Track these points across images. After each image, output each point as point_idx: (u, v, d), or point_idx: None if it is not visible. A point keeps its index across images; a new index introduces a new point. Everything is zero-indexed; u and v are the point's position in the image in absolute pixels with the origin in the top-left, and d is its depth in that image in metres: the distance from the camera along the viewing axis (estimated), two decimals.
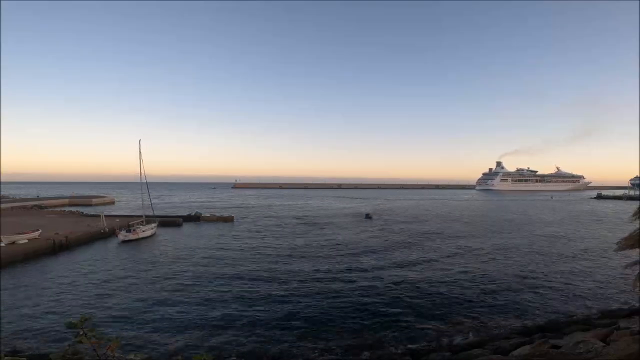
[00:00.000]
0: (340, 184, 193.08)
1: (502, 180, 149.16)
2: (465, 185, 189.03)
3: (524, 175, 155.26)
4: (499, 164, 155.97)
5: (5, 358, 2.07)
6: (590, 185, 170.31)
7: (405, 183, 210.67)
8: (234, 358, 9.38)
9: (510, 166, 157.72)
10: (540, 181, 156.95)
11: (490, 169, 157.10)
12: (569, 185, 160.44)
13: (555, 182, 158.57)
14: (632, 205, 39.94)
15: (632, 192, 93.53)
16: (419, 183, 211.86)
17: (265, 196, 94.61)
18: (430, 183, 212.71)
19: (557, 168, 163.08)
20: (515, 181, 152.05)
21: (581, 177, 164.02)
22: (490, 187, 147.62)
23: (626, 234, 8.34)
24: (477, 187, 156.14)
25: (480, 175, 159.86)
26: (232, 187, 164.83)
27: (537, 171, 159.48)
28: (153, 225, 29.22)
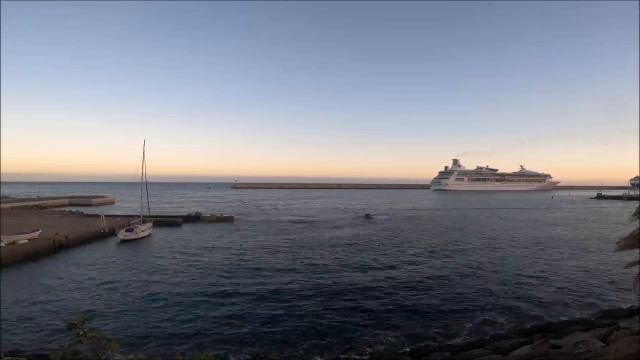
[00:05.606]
0: (340, 184, 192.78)
1: (457, 179, 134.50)
2: None
3: (483, 174, 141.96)
4: (455, 161, 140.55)
5: (6, 358, 2.06)
6: (558, 184, 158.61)
7: (405, 183, 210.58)
8: (234, 358, 9.39)
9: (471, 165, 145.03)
10: (500, 180, 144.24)
11: (446, 167, 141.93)
12: (534, 185, 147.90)
13: (517, 181, 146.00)
14: (632, 205, 39.97)
15: (632, 192, 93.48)
16: (419, 183, 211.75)
17: (265, 196, 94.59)
18: (430, 183, 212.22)
19: (521, 166, 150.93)
20: (473, 180, 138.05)
21: (547, 175, 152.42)
22: (444, 187, 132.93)
23: (626, 234, 8.34)
24: (432, 187, 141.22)
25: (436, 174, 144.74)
26: (232, 187, 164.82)
27: (497, 169, 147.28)
28: (149, 225, 29.35)
